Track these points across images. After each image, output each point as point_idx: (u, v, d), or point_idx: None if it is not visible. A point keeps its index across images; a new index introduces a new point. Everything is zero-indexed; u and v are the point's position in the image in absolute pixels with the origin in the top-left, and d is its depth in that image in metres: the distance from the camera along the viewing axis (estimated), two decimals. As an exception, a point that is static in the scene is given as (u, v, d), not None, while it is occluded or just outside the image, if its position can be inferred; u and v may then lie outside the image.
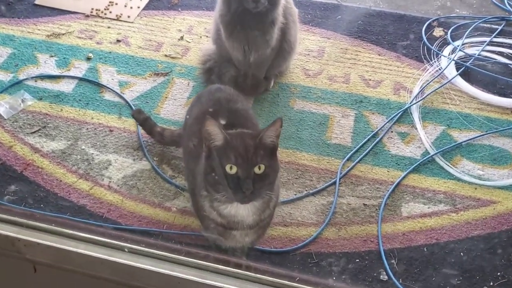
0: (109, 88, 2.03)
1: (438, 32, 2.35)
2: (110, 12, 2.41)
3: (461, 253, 1.56)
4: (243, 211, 1.16)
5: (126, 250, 0.89)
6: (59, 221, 1.49)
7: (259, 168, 1.09)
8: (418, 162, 1.80)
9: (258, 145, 1.10)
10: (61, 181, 1.71)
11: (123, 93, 2.01)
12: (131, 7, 2.43)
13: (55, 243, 0.89)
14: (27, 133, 1.85)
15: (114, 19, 2.37)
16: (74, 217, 1.60)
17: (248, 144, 1.10)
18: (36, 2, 2.45)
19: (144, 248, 0.90)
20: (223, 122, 1.29)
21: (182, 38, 2.29)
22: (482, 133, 1.90)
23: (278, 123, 1.11)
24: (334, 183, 1.73)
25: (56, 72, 2.10)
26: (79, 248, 0.89)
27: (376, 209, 1.66)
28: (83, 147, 1.81)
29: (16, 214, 1.06)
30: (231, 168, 1.08)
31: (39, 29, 2.30)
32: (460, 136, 1.90)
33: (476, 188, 1.73)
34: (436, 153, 1.83)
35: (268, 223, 1.28)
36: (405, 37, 2.32)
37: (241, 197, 1.09)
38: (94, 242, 0.90)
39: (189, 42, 2.27)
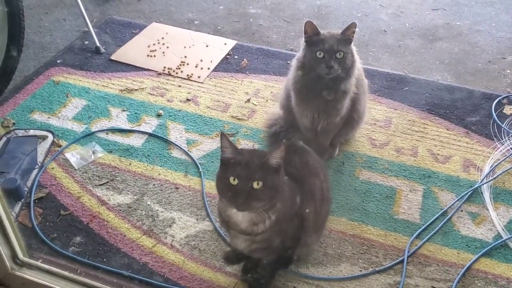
0: (177, 146, 2.06)
1: (508, 110, 2.29)
2: (182, 71, 2.49)
3: None
4: (236, 216, 1.32)
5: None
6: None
7: (257, 184, 1.21)
8: (490, 246, 1.71)
9: (263, 164, 1.22)
10: (125, 236, 1.71)
11: (190, 151, 2.04)
12: (201, 68, 2.51)
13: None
14: (96, 185, 1.89)
15: (185, 79, 2.45)
16: (135, 274, 1.59)
17: (252, 161, 1.23)
18: (112, 58, 2.58)
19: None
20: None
21: (249, 100, 2.33)
22: (559, 221, 1.80)
23: (282, 147, 1.22)
24: (402, 261, 1.66)
25: (127, 126, 2.16)
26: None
27: (446, 293, 1.58)
28: (148, 202, 1.83)
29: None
30: (234, 179, 1.22)
31: (113, 84, 2.40)
32: (536, 221, 1.80)
33: (554, 280, 1.62)
34: (509, 238, 1.73)
35: (265, 240, 1.36)
36: (474, 113, 2.28)
37: (235, 205, 1.24)
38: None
39: (256, 105, 2.30)
